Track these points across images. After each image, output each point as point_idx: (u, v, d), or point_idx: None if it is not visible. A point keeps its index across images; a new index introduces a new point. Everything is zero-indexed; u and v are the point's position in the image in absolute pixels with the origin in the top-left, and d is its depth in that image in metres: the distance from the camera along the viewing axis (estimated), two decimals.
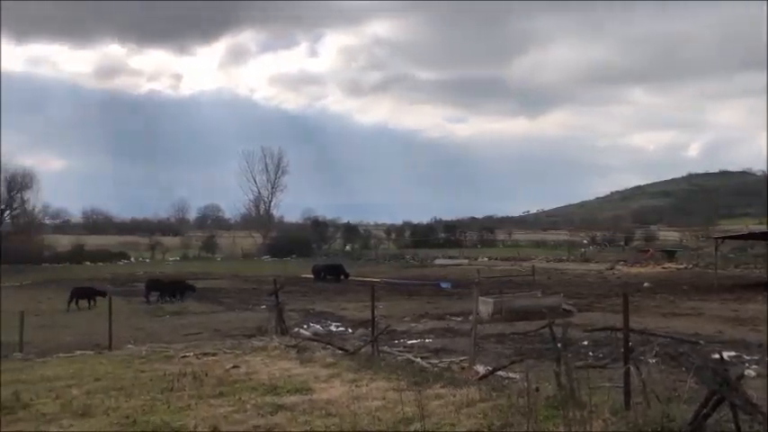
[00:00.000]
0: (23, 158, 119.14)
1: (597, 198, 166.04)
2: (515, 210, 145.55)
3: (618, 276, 42.39)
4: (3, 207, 63.89)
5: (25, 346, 16.10)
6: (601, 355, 13.35)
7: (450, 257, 64.21)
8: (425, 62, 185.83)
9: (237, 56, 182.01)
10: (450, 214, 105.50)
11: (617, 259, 55.38)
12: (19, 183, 64.09)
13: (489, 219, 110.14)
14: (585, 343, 15.23)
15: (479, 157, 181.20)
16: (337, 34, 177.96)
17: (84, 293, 28.73)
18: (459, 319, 21.23)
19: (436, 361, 13.07)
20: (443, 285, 35.37)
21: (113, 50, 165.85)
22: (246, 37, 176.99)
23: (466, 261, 60.60)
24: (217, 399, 9.15)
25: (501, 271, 44.55)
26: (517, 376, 9.88)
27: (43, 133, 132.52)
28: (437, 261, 62.11)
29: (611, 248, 75.57)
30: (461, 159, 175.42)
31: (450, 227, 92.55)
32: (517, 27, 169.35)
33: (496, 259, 62.37)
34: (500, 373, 10.35)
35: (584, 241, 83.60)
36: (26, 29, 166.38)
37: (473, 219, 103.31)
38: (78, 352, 15.53)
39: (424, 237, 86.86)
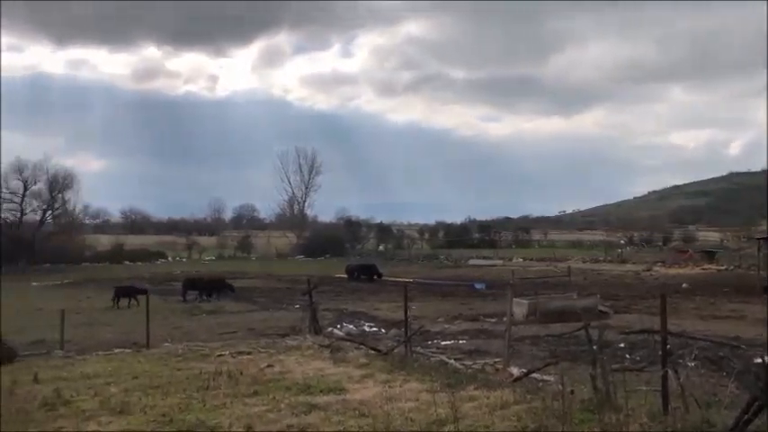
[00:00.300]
0: (64, 159, 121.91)
1: (634, 198, 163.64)
2: (551, 210, 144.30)
3: (655, 278, 41.63)
4: (45, 207, 65.39)
5: (66, 344, 16.44)
6: (638, 358, 13.14)
7: (484, 258, 63.83)
8: (458, 61, 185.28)
9: (272, 57, 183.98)
10: (484, 214, 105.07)
11: (654, 260, 54.41)
12: (60, 183, 65.50)
13: (524, 219, 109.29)
14: (622, 345, 14.98)
15: (514, 157, 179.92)
16: (370, 35, 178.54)
17: (127, 292, 29.27)
18: (494, 320, 21.08)
19: (470, 362, 12.99)
20: (477, 286, 35.12)
21: (151, 53, 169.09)
22: (281, 38, 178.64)
23: (500, 262, 60.18)
24: (251, 398, 9.24)
25: (536, 272, 44.12)
26: (552, 379, 9.78)
27: (83, 134, 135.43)
28: (471, 261, 61.80)
29: (649, 249, 74.38)
30: (496, 159, 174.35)
31: (485, 227, 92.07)
32: (552, 25, 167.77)
33: (531, 260, 61.81)
34: (534, 375, 10.25)
35: (621, 242, 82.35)
36: (66, 32, 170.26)
37: (508, 219, 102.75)
38: (117, 350, 15.81)
39: (458, 237, 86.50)
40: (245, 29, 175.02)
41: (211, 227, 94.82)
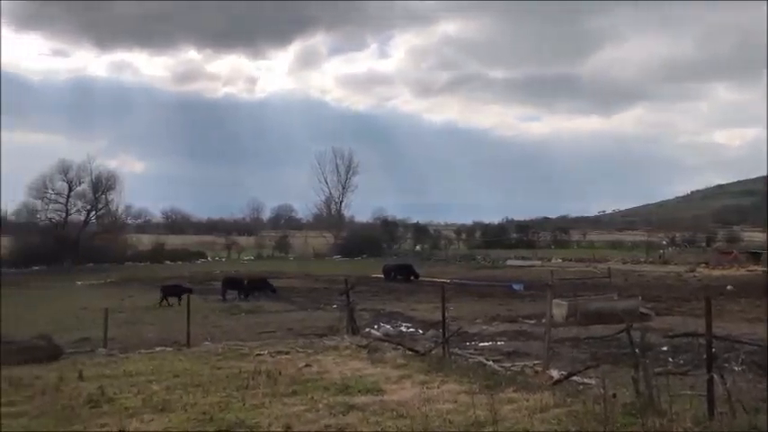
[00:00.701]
0: (107, 161, 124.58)
1: (676, 197, 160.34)
2: (590, 210, 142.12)
3: (699, 279, 40.71)
4: (89, 208, 66.93)
5: (109, 342, 16.77)
6: (681, 362, 12.86)
7: (522, 258, 63.25)
8: (496, 61, 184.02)
9: (309, 58, 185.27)
10: (522, 214, 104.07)
11: (698, 261, 53.19)
12: (103, 184, 66.98)
13: (563, 219, 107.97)
14: (665, 348, 14.68)
15: (553, 156, 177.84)
16: (407, 35, 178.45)
17: (174, 291, 29.78)
18: (532, 321, 20.87)
19: (508, 364, 12.87)
20: (515, 287, 34.81)
21: (191, 56, 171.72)
22: (318, 40, 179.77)
23: (539, 262, 59.56)
24: (290, 397, 9.29)
25: (575, 272, 43.53)
26: (593, 382, 9.64)
27: (125, 136, 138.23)
28: (509, 262, 61.29)
29: (692, 250, 72.74)
30: (534, 158, 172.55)
31: (523, 227, 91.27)
32: (591, 23, 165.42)
33: (570, 260, 61.03)
34: (575, 378, 10.10)
35: (663, 242, 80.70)
36: (109, 37, 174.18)
37: (546, 219, 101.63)
38: (158, 348, 16.08)
39: (496, 237, 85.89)
40: (283, 31, 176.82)
41: (250, 227, 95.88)
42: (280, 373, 11.13)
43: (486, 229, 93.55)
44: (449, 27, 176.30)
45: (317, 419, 8.00)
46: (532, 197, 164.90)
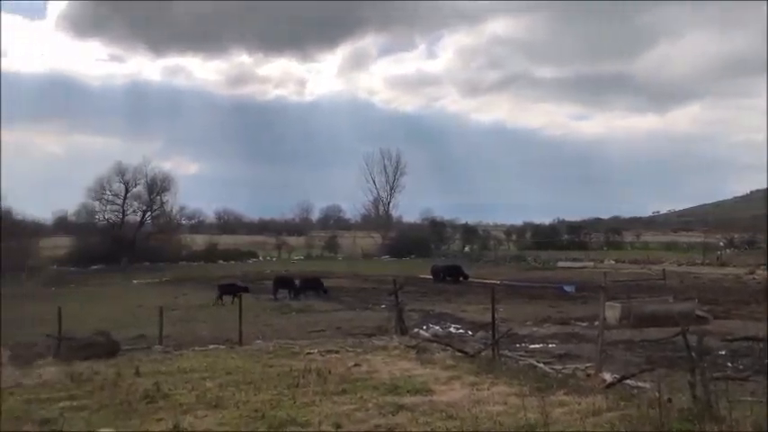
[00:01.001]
0: (161, 163, 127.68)
1: (734, 197, 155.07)
2: (644, 210, 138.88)
3: (758, 281, 39.29)
4: (144, 208, 68.76)
5: (164, 339, 17.20)
6: (741, 367, 12.47)
7: (573, 260, 62.22)
8: (546, 59, 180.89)
9: (357, 60, 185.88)
10: (573, 215, 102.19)
11: (757, 263, 51.27)
12: (158, 186, 68.76)
13: (616, 219, 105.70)
14: (723, 353, 14.25)
15: (605, 155, 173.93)
16: (456, 35, 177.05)
17: (230, 290, 30.38)
18: (584, 324, 20.52)
19: (560, 367, 12.69)
20: (567, 289, 34.29)
21: (242, 60, 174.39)
22: (366, 41, 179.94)
23: (591, 263, 58.48)
24: (339, 396, 9.37)
25: (629, 274, 42.53)
26: (647, 386, 9.43)
27: (179, 139, 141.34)
28: (560, 263, 60.34)
29: (751, 251, 70.21)
30: (586, 157, 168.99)
31: (574, 228, 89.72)
32: (644, 19, 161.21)
33: (623, 262, 59.69)
34: (629, 381, 9.89)
35: (721, 243, 78.11)
36: (164, 42, 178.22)
37: (598, 219, 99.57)
38: (212, 346, 16.41)
39: (546, 238, 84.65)
40: (332, 33, 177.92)
41: (299, 227, 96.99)
42: (329, 372, 11.24)
43: (536, 229, 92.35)
44: (498, 26, 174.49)
45: (366, 419, 8.05)
46: (584, 197, 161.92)
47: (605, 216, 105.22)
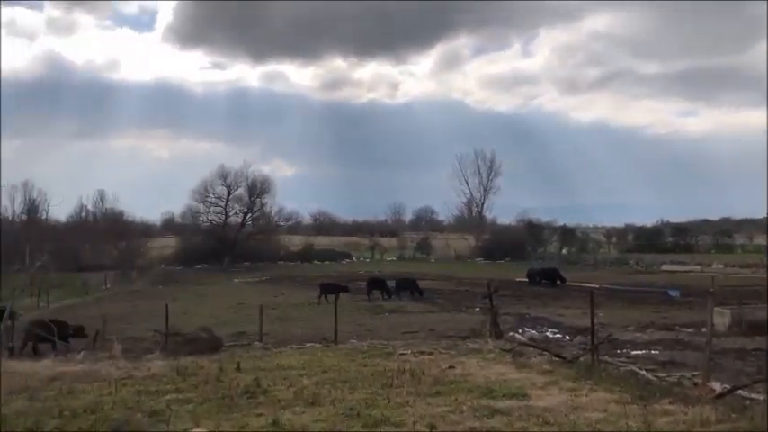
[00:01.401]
0: (261, 166, 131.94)
1: None
2: (758, 211, 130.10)
3: None
4: (245, 210, 71.32)
5: (264, 336, 17.73)
6: None
7: (679, 263, 59.45)
8: (649, 55, 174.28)
9: (451, 61, 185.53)
10: (679, 216, 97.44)
11: None
12: (258, 188, 71.20)
13: (725, 221, 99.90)
14: None
15: (714, 153, 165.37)
16: (552, 32, 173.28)
17: (331, 289, 31.03)
18: (690, 330, 19.53)
19: (664, 374, 12.13)
20: (671, 293, 32.80)
21: (337, 65, 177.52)
22: (460, 42, 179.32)
23: (698, 267, 55.66)
24: (433, 398, 9.33)
25: (740, 279, 40.21)
26: (761, 397, 8.85)
27: (277, 142, 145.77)
28: (664, 267, 57.81)
29: None
30: (693, 156, 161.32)
31: (680, 230, 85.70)
32: (754, 11, 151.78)
33: (734, 266, 56.42)
34: (740, 392, 9.32)
35: None
36: (263, 50, 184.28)
37: (706, 221, 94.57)
38: (308, 344, 16.77)
39: (650, 240, 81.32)
40: (425, 35, 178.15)
41: (392, 228, 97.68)
42: (423, 373, 11.21)
43: (639, 231, 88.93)
44: (597, 22, 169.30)
45: (461, 421, 7.97)
46: (691, 197, 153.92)
47: (714, 217, 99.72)
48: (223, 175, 70.26)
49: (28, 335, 17.05)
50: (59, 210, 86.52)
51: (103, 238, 63.06)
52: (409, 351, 14.45)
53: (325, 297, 30.19)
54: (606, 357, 13.74)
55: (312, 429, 7.91)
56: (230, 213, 70.62)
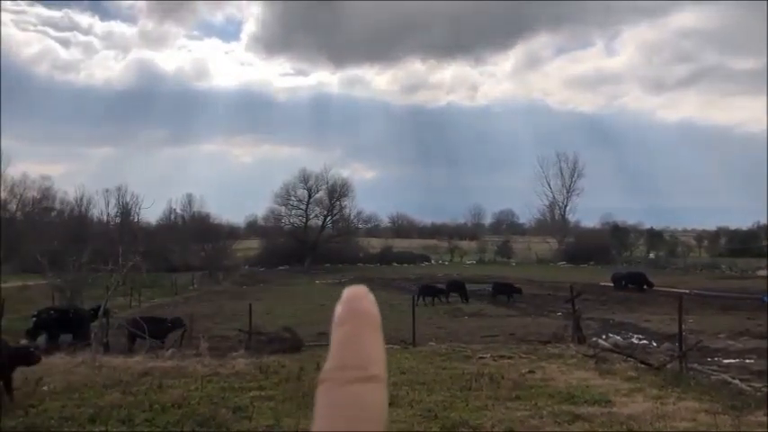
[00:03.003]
0: (341, 170, 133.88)
1: None
2: None
3: None
4: (325, 213, 72.50)
5: None
6: None
7: None
8: (742, 50, 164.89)
9: (531, 61, 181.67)
10: None
11: None
12: (338, 191, 72.23)
13: None
14: None
15: None
16: (637, 29, 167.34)
17: (430, 291, 31.61)
18: None
19: (759, 385, 11.51)
20: (767, 300, 31.06)
21: (416, 68, 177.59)
22: (540, 42, 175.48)
23: None
24: (513, 402, 9.22)
25: None
26: None
27: (357, 146, 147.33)
28: (759, 272, 54.78)
29: None
30: None
31: None
32: None
33: None
34: None
35: None
36: (343, 55, 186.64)
37: None
38: (387, 345, 16.77)
39: (744, 244, 77.26)
40: (505, 36, 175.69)
41: (472, 231, 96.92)
42: (502, 378, 11.11)
43: (732, 235, 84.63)
44: (684, 17, 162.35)
45: (541, 426, 7.85)
46: None
47: None
48: (304, 179, 71.74)
49: (129, 333, 17.81)
50: (150, 213, 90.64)
51: (191, 239, 65.59)
52: (488, 355, 14.32)
53: (422, 298, 30.44)
54: (695, 365, 13.18)
55: (389, 430, 7.97)
56: (311, 216, 71.95)
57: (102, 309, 17.63)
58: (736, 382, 11.43)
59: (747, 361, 15.49)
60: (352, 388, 0.49)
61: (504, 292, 33.20)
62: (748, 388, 10.88)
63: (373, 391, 0.49)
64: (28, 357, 10.11)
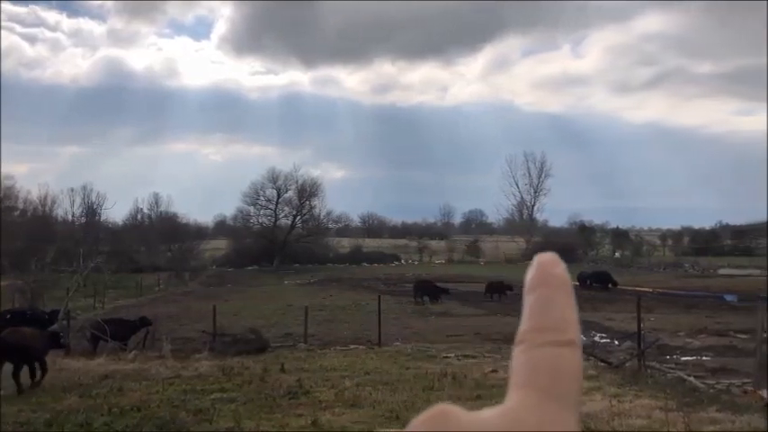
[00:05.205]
0: (311, 169, 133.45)
1: None
2: None
3: None
4: (294, 213, 72.20)
5: (309, 338, 17.93)
6: None
7: (737, 267, 57.52)
8: (704, 54, 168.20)
9: (500, 63, 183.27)
10: (738, 218, 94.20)
11: None
12: (308, 191, 71.97)
13: None
14: None
15: None
16: (602, 33, 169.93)
17: (427, 291, 32.00)
18: (745, 336, 18.89)
19: (713, 382, 11.79)
20: (728, 298, 31.76)
21: (386, 69, 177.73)
22: (508, 44, 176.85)
23: (757, 272, 53.72)
24: (474, 401, 9.30)
25: None
26: None
27: (327, 146, 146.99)
28: (721, 271, 56.06)
29: None
30: (751, 156, 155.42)
31: (739, 232, 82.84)
32: None
33: None
34: None
35: None
36: (314, 56, 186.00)
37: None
38: (352, 346, 16.90)
39: (707, 243, 78.94)
40: (474, 38, 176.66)
41: (441, 231, 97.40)
42: (465, 377, 11.21)
43: (695, 234, 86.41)
44: (648, 22, 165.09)
45: None
46: (751, 199, 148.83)
47: None
48: (273, 179, 71.35)
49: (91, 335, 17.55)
50: (116, 213, 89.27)
51: (158, 239, 64.82)
52: (453, 354, 14.44)
53: (421, 297, 30.48)
54: (654, 363, 13.44)
55: (351, 430, 8.01)
56: (280, 216, 71.60)
57: (62, 311, 17.34)
58: (692, 379, 11.69)
59: (704, 358, 15.84)
60: (551, 350, 0.49)
61: (497, 290, 33.50)
62: (702, 385, 11.14)
63: (571, 355, 0.49)
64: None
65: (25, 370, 10.83)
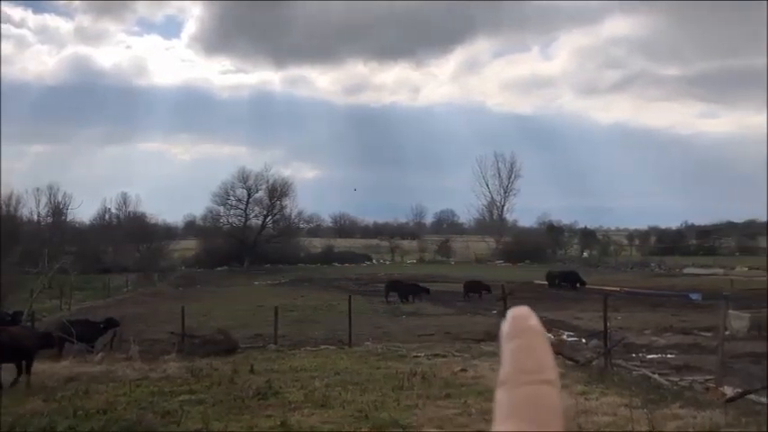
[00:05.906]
0: (282, 169, 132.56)
1: None
2: None
3: None
4: (265, 213, 71.75)
5: (280, 338, 17.84)
6: None
7: (702, 266, 58.68)
8: (669, 57, 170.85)
9: (470, 65, 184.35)
10: (703, 219, 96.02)
11: None
12: (279, 191, 71.57)
13: (751, 224, 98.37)
14: None
15: (738, 155, 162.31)
16: (571, 35, 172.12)
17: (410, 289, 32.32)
18: (709, 334, 19.28)
19: (676, 379, 12.03)
20: (693, 297, 32.37)
21: (359, 70, 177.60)
22: (479, 46, 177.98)
23: (721, 271, 54.88)
24: (443, 400, 9.38)
25: (762, 282, 39.59)
26: None
27: (298, 146, 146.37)
28: (687, 270, 57.13)
29: None
30: (716, 158, 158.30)
31: (704, 233, 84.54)
32: None
33: (758, 269, 55.52)
34: (751, 396, 9.24)
35: None
36: (285, 56, 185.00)
37: (731, 224, 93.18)
38: (323, 346, 16.87)
39: (672, 243, 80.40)
40: (445, 40, 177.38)
41: (413, 231, 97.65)
42: (435, 376, 11.28)
43: (661, 234, 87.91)
44: (615, 26, 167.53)
45: (468, 424, 8.02)
46: (715, 200, 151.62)
47: (738, 220, 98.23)
48: (243, 178, 70.84)
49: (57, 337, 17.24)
50: (84, 213, 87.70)
51: (126, 240, 63.88)
52: (423, 354, 14.51)
53: (406, 298, 30.77)
54: (620, 361, 13.66)
55: (320, 431, 8.01)
56: (250, 216, 71.10)
57: (26, 312, 17.02)
58: (656, 376, 11.91)
59: (668, 356, 16.15)
60: (532, 388, 0.54)
61: (474, 290, 33.72)
62: (666, 382, 11.36)
63: (551, 393, 0.54)
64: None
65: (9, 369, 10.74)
